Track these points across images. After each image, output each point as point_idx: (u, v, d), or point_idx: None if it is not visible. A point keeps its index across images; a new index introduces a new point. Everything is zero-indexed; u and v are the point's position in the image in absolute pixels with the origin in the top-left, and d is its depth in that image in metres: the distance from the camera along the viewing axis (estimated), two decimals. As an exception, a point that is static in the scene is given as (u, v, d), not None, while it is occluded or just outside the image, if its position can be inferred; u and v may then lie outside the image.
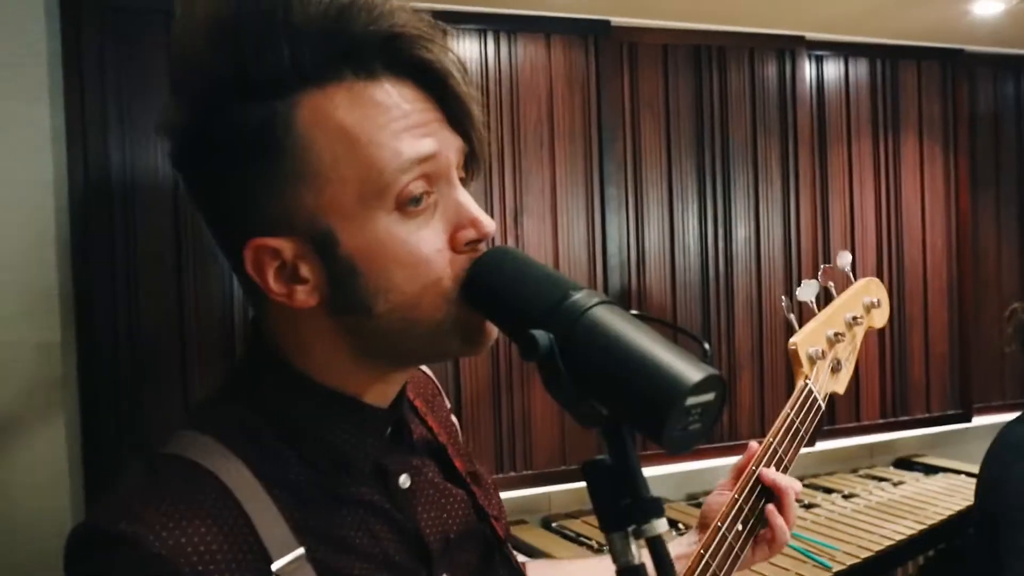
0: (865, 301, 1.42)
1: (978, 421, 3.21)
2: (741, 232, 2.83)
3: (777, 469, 1.17)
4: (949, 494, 2.78)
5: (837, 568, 2.27)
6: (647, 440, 0.71)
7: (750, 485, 1.14)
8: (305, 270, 0.74)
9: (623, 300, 2.63)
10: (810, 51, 2.94)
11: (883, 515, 2.65)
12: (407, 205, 0.73)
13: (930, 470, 3.11)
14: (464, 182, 0.79)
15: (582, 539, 2.45)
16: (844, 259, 1.42)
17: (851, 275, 1.43)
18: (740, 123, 2.82)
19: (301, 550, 0.72)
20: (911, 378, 3.13)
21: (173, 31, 0.76)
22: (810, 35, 2.92)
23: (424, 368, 1.03)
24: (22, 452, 2.17)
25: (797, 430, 1.22)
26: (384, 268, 0.73)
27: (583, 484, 0.72)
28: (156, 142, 2.16)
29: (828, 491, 2.87)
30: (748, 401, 2.81)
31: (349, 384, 0.79)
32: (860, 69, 3.05)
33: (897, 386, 3.10)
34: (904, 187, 3.12)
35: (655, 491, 0.69)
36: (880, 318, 1.44)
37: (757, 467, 1.15)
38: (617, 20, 2.63)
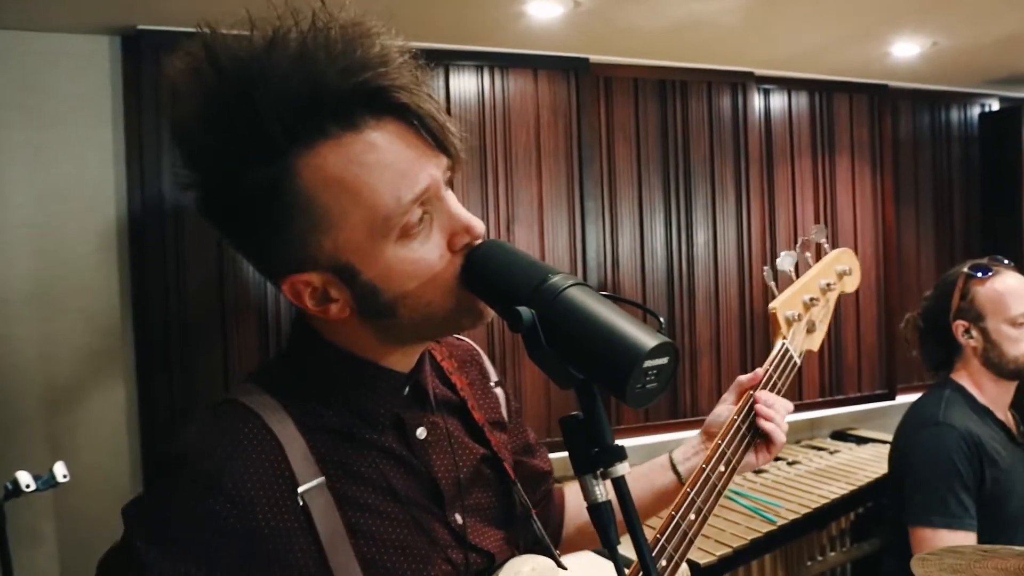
0: (837, 269, 1.38)
1: (901, 399, 3.20)
2: (701, 238, 2.82)
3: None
4: (877, 461, 2.79)
5: (781, 522, 2.28)
6: (618, 404, 0.71)
7: (747, 408, 1.13)
8: (335, 293, 0.76)
9: (600, 296, 2.61)
10: (759, 85, 2.94)
11: (821, 479, 2.66)
12: (409, 231, 0.74)
13: (861, 441, 3.12)
14: (451, 180, 0.79)
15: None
16: (819, 233, 1.38)
17: (826, 246, 1.39)
18: (700, 146, 2.82)
19: (322, 479, 0.77)
20: (845, 363, 3.12)
21: (171, 115, 0.75)
22: (759, 71, 2.92)
23: (466, 338, 1.05)
24: (87, 410, 2.17)
25: (775, 383, 1.19)
26: (400, 283, 0.75)
27: (565, 455, 0.73)
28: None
29: (775, 459, 2.87)
30: (708, 382, 2.80)
31: (373, 354, 0.82)
32: (801, 100, 3.05)
33: (834, 370, 3.10)
34: (839, 201, 3.12)
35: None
36: (851, 284, 1.39)
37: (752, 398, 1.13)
38: (595, 58, 2.63)
